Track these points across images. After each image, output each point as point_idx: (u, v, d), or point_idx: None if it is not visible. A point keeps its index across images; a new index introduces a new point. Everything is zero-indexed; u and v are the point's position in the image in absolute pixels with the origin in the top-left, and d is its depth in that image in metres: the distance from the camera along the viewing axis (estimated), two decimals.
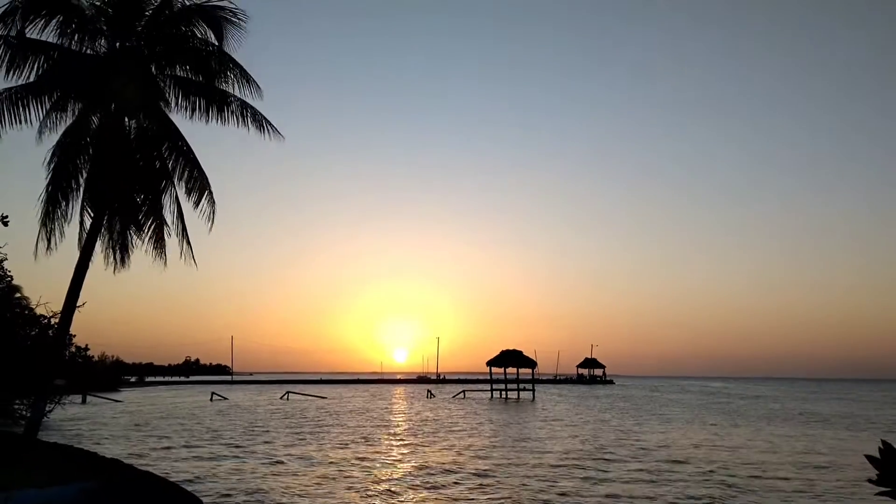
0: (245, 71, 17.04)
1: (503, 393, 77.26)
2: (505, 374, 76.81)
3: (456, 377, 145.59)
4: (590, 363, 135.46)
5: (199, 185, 17.07)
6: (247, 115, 17.30)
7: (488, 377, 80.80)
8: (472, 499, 16.90)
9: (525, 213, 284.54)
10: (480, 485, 18.77)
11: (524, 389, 77.33)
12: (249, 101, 17.24)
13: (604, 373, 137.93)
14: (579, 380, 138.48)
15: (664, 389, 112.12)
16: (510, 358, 74.90)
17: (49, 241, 16.31)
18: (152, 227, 17.22)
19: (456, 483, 19.10)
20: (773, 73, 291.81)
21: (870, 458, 3.14)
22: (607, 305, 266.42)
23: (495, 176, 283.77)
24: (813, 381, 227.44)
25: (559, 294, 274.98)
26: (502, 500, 16.69)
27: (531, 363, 75.98)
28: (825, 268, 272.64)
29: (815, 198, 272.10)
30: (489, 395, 78.94)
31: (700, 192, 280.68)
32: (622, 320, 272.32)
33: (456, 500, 16.83)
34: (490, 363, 75.33)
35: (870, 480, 3.16)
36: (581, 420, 43.47)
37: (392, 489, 18.25)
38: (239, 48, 16.99)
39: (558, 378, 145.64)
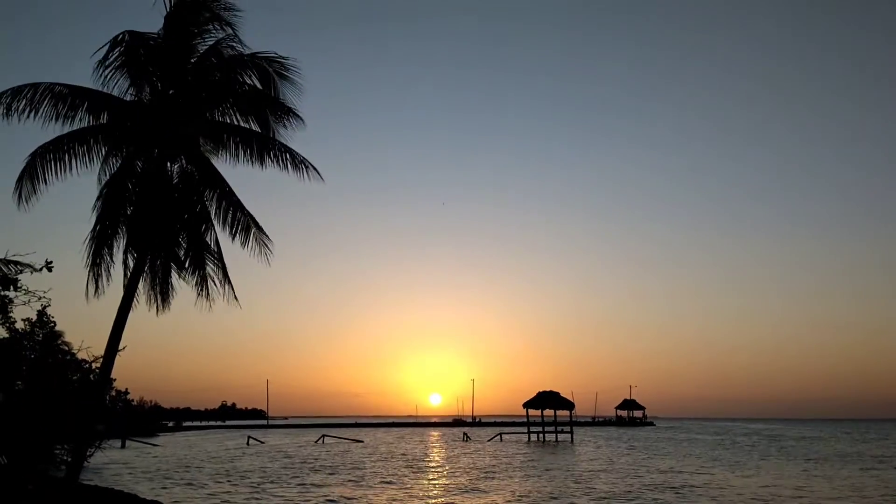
0: (288, 108, 17.16)
1: (540, 435, 76.00)
2: (542, 415, 75.66)
3: (492, 419, 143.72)
4: (629, 405, 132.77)
5: (244, 226, 17.16)
6: (286, 159, 17.35)
7: (524, 419, 79.62)
8: None
9: (561, 252, 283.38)
10: None
11: (562, 431, 75.99)
12: (291, 135, 17.32)
13: (644, 414, 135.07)
14: (618, 422, 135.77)
15: (717, 431, 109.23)
16: (547, 399, 73.77)
17: (97, 283, 16.54)
18: (195, 269, 17.37)
19: None
20: (813, 103, 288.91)
21: None
22: (646, 346, 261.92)
23: (533, 213, 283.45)
24: (854, 422, 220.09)
25: (596, 334, 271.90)
26: None
27: (569, 405, 74.77)
28: (871, 306, 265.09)
29: (854, 233, 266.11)
30: (526, 437, 77.72)
31: (740, 229, 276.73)
32: (661, 361, 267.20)
33: None
34: (527, 405, 74.25)
35: None
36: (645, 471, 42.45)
37: None
38: (293, 98, 17.17)
39: (597, 420, 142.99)
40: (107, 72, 16.52)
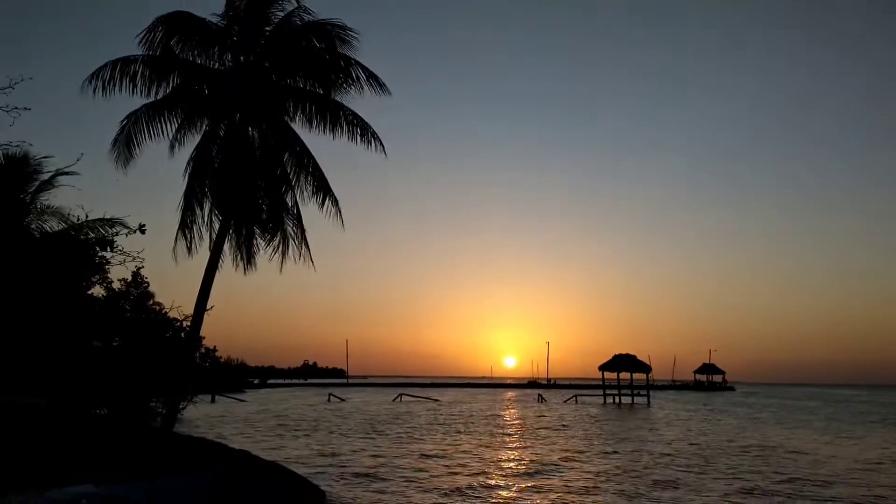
0: (369, 71, 17.51)
1: (616, 398, 75.70)
2: (618, 379, 75.25)
3: (567, 382, 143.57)
4: (708, 369, 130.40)
5: (322, 188, 17.77)
6: (356, 129, 17.76)
7: (600, 382, 79.32)
8: None
9: (640, 215, 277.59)
10: None
11: (638, 395, 75.44)
12: (375, 98, 17.70)
13: (724, 379, 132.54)
14: (697, 386, 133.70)
15: (814, 398, 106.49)
16: (623, 362, 73.22)
17: (189, 245, 17.38)
18: (275, 230, 18.03)
19: None
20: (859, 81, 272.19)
21: None
22: (726, 310, 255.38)
23: (609, 175, 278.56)
24: None
25: (676, 297, 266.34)
26: None
27: (645, 368, 74.08)
28: None
29: None
30: (601, 399, 77.55)
31: (821, 189, 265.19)
32: (741, 325, 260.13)
33: None
34: (602, 367, 73.87)
35: None
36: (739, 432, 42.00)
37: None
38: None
39: (675, 384, 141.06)
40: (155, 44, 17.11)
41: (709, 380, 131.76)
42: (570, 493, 17.81)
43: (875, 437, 35.65)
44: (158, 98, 17.03)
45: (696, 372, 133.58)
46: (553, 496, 17.37)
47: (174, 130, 17.32)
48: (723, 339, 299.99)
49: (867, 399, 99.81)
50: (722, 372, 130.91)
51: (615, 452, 26.61)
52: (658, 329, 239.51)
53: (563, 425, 41.20)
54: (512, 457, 25.69)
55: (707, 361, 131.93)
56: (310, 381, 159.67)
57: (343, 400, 73.18)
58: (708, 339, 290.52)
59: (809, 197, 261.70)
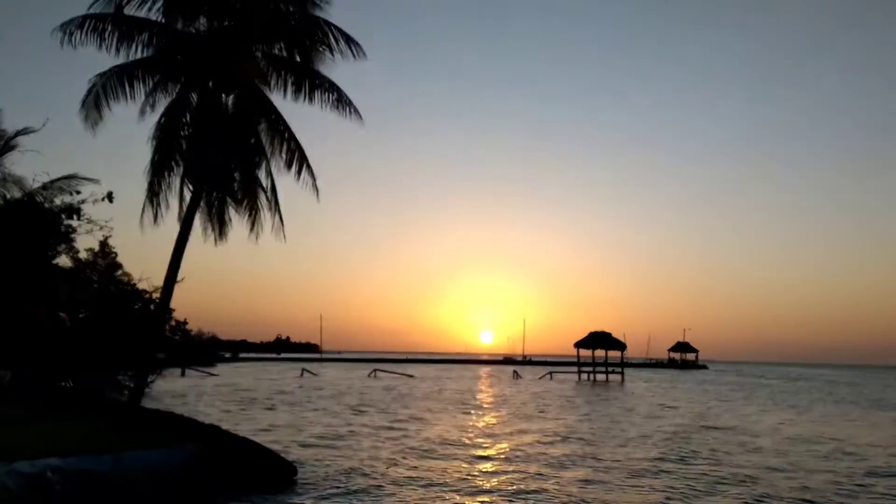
0: (346, 34, 17.03)
1: (591, 375, 76.22)
2: (593, 356, 75.73)
3: (542, 359, 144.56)
4: (682, 347, 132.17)
5: (298, 158, 17.34)
6: (332, 97, 17.38)
7: (575, 359, 79.81)
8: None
9: (615, 196, 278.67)
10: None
11: (613, 372, 76.04)
12: (344, 63, 17.23)
13: (696, 357, 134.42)
14: (671, 364, 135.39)
15: (780, 375, 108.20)
16: (599, 340, 73.69)
17: (155, 214, 16.83)
18: (248, 201, 17.55)
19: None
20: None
21: None
22: (700, 289, 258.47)
23: (584, 158, 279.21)
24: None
25: (650, 276, 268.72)
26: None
27: (620, 345, 74.63)
28: None
29: None
30: (576, 376, 78.03)
31: (797, 166, 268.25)
32: (715, 304, 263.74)
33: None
34: (578, 344, 74.27)
35: None
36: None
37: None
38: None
39: (650, 362, 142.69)
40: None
41: (682, 358, 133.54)
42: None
43: (809, 413, 36.03)
44: (129, 60, 16.41)
45: (670, 350, 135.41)
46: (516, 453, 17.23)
47: (145, 94, 16.74)
48: (697, 319, 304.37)
49: (832, 378, 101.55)
50: (695, 350, 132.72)
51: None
52: (634, 308, 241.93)
53: (541, 403, 41.27)
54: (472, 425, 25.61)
55: (681, 340, 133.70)
56: (283, 355, 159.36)
57: (316, 375, 72.93)
58: (683, 319, 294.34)
59: (781, 176, 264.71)
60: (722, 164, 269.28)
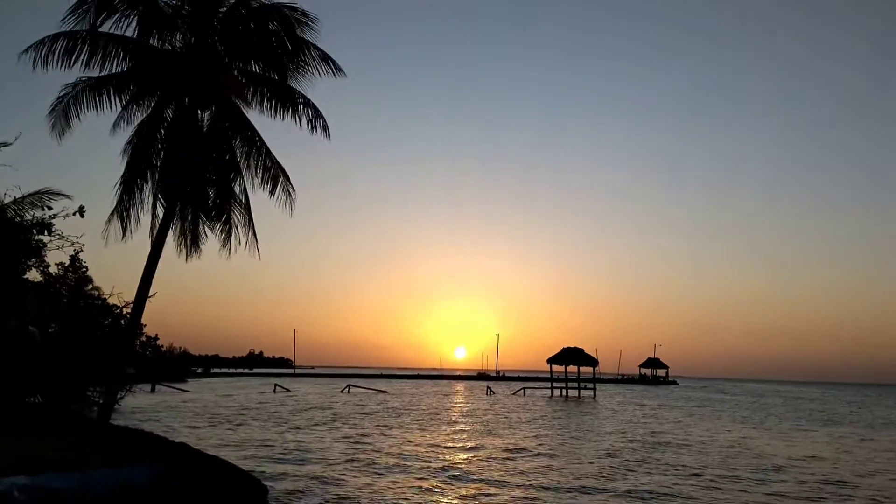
0: (325, 53, 17.22)
1: (563, 391, 76.50)
2: (566, 371, 76.05)
3: (515, 374, 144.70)
4: (653, 363, 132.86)
5: (272, 175, 17.42)
6: (308, 114, 17.53)
7: (548, 375, 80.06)
8: None
9: (589, 213, 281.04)
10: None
11: (585, 388, 76.41)
12: (323, 83, 17.42)
13: (667, 373, 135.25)
14: (642, 380, 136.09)
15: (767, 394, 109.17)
16: (571, 355, 74.06)
17: (124, 229, 16.79)
18: (223, 217, 17.59)
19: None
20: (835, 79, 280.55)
21: None
22: (671, 305, 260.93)
23: (560, 171, 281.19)
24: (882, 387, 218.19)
25: (622, 293, 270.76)
26: None
27: (592, 361, 75.03)
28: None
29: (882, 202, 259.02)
30: (549, 392, 78.25)
31: (766, 188, 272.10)
32: (686, 321, 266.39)
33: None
34: (551, 360, 74.63)
35: None
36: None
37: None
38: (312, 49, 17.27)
39: (621, 378, 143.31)
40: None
41: (653, 374, 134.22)
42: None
43: (758, 429, 36.59)
44: (102, 74, 16.41)
45: (641, 366, 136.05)
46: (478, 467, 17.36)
47: (119, 110, 16.77)
48: (669, 334, 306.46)
49: (797, 395, 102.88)
50: (665, 366, 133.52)
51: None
52: (606, 323, 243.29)
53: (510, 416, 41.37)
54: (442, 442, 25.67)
55: (652, 356, 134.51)
56: (255, 370, 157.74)
57: (289, 390, 72.37)
58: (654, 334, 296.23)
59: (750, 194, 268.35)
60: (692, 183, 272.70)
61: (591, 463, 22.39)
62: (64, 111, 16.16)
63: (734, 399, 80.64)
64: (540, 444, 27.30)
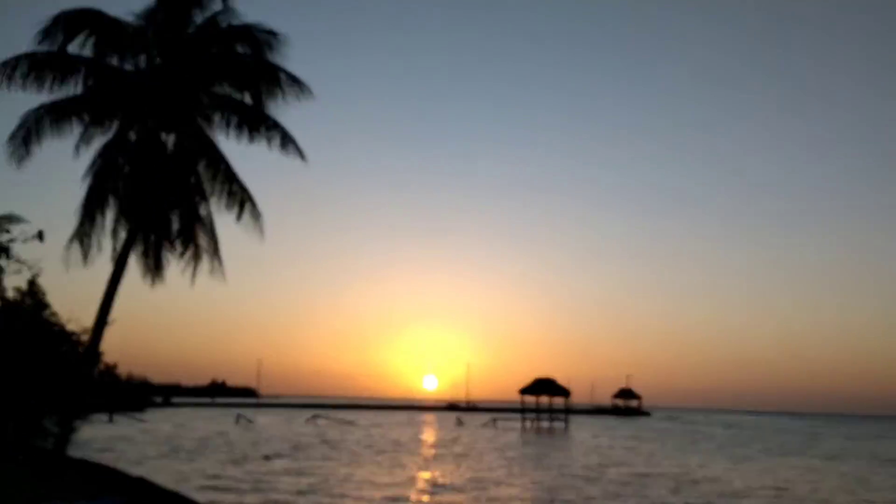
0: (294, 76, 16.98)
1: (535, 422, 75.99)
2: (537, 402, 75.71)
3: (486, 405, 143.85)
4: (625, 394, 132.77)
5: (239, 200, 17.05)
6: (276, 137, 17.26)
7: (520, 405, 79.61)
8: None
9: (558, 241, 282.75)
10: None
11: (557, 419, 76.01)
12: (293, 106, 17.14)
13: (639, 404, 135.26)
14: (614, 410, 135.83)
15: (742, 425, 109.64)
16: (543, 386, 73.87)
17: (85, 254, 16.31)
18: (187, 242, 17.16)
19: None
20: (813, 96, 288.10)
21: None
22: (644, 335, 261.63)
23: (526, 204, 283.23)
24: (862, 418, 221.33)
25: (595, 323, 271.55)
26: None
27: (564, 392, 74.93)
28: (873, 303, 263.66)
29: (834, 227, 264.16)
30: (520, 423, 77.72)
31: (743, 222, 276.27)
32: (658, 351, 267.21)
33: None
34: (523, 391, 74.29)
35: None
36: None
37: None
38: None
39: (594, 409, 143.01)
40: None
41: (626, 404, 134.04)
42: None
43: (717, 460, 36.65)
44: (64, 98, 16.04)
45: (613, 397, 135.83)
46: None
47: (80, 132, 16.37)
48: (642, 365, 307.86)
49: (770, 426, 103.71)
50: (638, 397, 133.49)
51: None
52: (578, 353, 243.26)
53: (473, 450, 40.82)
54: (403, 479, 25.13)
55: (624, 386, 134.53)
56: (218, 400, 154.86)
57: (251, 421, 70.89)
58: (627, 365, 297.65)
59: (718, 223, 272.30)
60: (662, 212, 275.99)
61: None
62: (24, 138, 15.80)
63: (708, 430, 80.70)
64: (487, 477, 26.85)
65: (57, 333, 24.57)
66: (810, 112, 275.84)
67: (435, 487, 24.02)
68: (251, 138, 17.23)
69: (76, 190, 16.29)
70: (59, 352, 24.26)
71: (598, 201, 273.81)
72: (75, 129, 16.36)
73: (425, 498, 21.75)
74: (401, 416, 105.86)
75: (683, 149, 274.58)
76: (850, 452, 50.84)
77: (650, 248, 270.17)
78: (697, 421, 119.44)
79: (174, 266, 17.33)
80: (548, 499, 22.15)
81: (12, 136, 15.69)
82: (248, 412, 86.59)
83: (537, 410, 76.10)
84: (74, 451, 22.99)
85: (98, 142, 16.80)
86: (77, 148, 16.63)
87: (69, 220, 16.43)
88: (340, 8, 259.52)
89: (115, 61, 16.79)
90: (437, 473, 27.96)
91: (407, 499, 21.13)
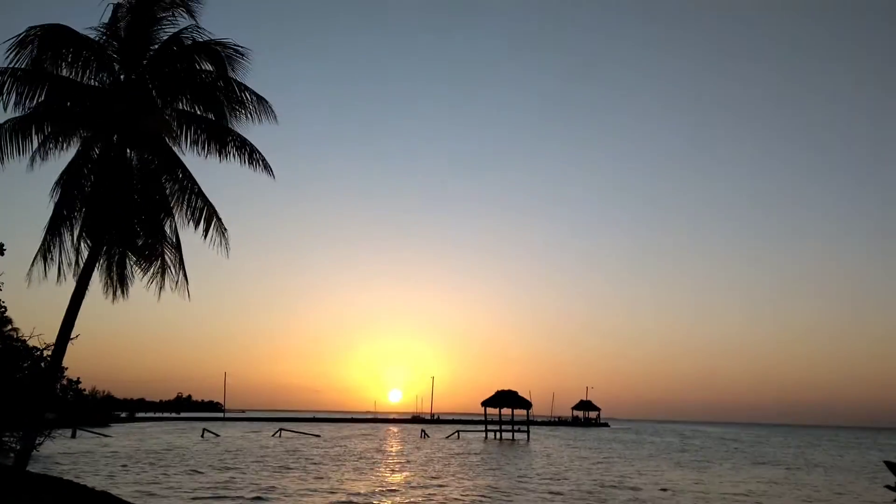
0: (258, 95, 17.22)
1: (497, 434, 76.58)
2: (500, 414, 76.22)
3: (450, 417, 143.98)
4: (585, 405, 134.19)
5: (205, 216, 17.15)
6: (244, 152, 17.42)
7: (483, 417, 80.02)
8: None
9: (521, 257, 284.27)
10: None
11: (519, 430, 76.64)
12: (256, 125, 17.37)
13: (598, 416, 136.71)
14: (574, 422, 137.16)
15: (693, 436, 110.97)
16: (505, 398, 74.34)
17: (46, 270, 16.36)
18: (152, 258, 17.31)
19: None
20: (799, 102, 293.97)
21: (889, 464, 3.26)
22: (603, 348, 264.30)
23: (492, 218, 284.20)
24: (817, 428, 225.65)
25: (555, 335, 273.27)
26: None
27: (526, 404, 75.43)
28: (834, 309, 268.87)
29: (799, 238, 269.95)
30: (483, 435, 78.16)
31: (700, 235, 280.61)
32: (617, 363, 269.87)
33: None
34: (485, 403, 74.74)
35: (888, 486, 3.26)
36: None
37: None
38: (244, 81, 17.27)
39: (554, 420, 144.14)
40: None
41: (585, 416, 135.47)
42: None
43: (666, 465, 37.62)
44: (23, 114, 16.08)
45: (573, 408, 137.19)
46: None
47: (37, 145, 16.38)
48: (601, 377, 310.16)
49: (722, 436, 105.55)
50: (597, 409, 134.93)
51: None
52: (539, 365, 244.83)
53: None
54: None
55: (584, 398, 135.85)
56: (183, 414, 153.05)
57: (218, 435, 70.34)
58: (586, 377, 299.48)
59: (680, 239, 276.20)
60: (620, 228, 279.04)
61: None
62: None
63: (662, 441, 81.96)
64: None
65: (18, 349, 24.51)
66: (781, 112, 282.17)
67: (389, 491, 24.42)
68: (219, 155, 17.36)
69: (34, 203, 16.43)
70: (20, 367, 24.21)
71: (560, 219, 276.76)
72: (35, 144, 16.38)
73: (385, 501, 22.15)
74: (367, 429, 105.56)
75: (637, 173, 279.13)
76: (775, 458, 52.63)
77: (610, 264, 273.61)
78: (645, 430, 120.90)
79: (139, 282, 17.47)
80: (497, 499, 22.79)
81: None
82: (213, 426, 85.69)
83: (500, 422, 76.60)
84: (36, 467, 22.91)
85: (57, 157, 16.80)
86: (32, 161, 16.57)
87: (31, 233, 16.54)
88: (308, 18, 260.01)
89: (80, 77, 16.82)
90: (396, 478, 28.28)
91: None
